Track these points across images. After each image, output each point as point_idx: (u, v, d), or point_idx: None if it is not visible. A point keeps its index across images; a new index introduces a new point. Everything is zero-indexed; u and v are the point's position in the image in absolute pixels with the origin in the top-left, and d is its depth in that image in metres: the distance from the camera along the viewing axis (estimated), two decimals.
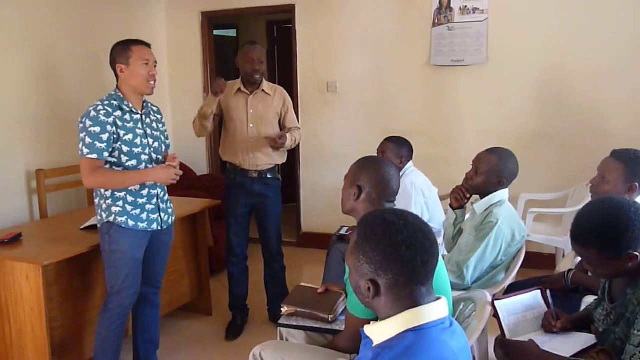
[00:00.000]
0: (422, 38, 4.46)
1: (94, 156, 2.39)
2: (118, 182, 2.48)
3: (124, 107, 2.50)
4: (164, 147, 2.70)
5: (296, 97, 4.93)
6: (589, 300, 2.19)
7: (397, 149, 3.15)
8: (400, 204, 3.04)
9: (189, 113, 5.08)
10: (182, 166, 4.66)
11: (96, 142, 2.39)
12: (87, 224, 2.93)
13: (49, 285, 2.56)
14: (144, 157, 2.53)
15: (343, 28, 4.72)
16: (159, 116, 2.73)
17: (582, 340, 1.85)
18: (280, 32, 6.37)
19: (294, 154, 4.88)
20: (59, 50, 3.95)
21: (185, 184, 4.58)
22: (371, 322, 1.30)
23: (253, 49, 3.28)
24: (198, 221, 3.60)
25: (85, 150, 2.39)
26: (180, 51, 5.28)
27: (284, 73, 5.88)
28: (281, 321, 2.17)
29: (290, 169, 5.13)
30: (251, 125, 3.25)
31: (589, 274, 2.42)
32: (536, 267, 3.36)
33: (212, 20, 5.30)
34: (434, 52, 4.45)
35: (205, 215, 3.64)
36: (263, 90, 3.32)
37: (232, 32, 6.82)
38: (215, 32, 5.55)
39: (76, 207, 3.91)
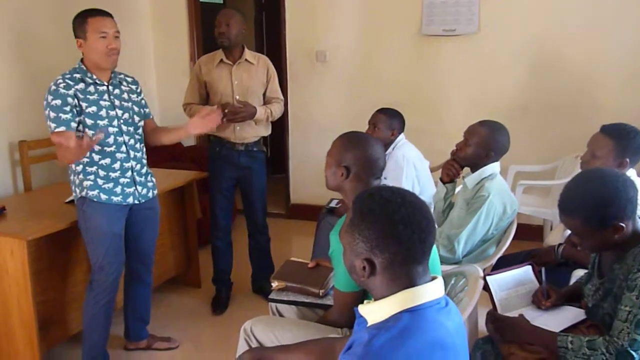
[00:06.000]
0: (414, 7, 4.37)
1: (62, 129, 2.33)
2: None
3: (87, 79, 2.43)
4: (137, 118, 2.61)
5: (284, 67, 4.83)
6: (578, 274, 2.20)
7: (389, 120, 3.10)
8: (391, 177, 3.03)
9: (175, 82, 5.00)
10: None
11: (60, 114, 2.34)
12: (71, 198, 2.86)
13: (34, 260, 2.51)
14: (111, 129, 2.46)
15: None
16: (133, 86, 2.64)
17: (572, 315, 1.87)
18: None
19: (282, 124, 4.83)
20: (38, 16, 3.80)
21: (172, 155, 4.52)
22: (365, 302, 1.28)
23: (221, 12, 3.17)
24: (185, 194, 3.55)
25: (53, 125, 2.34)
26: (166, 19, 5.12)
27: (272, 41, 5.77)
28: (272, 296, 2.16)
29: (278, 140, 5.08)
30: (237, 97, 3.16)
31: (578, 247, 2.44)
32: (524, 239, 3.36)
33: None
34: (425, 21, 4.37)
35: (192, 187, 3.59)
36: (246, 60, 3.22)
37: None
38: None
39: (61, 179, 3.82)
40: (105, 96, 2.48)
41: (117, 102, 2.51)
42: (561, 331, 1.74)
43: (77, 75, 2.42)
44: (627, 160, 2.23)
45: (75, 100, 2.38)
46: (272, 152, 5.88)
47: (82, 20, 2.40)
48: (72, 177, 2.51)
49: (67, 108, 2.35)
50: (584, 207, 1.62)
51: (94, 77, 2.45)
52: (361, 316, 1.28)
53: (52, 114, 2.34)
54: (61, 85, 2.37)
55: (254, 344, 1.90)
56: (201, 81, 3.23)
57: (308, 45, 4.76)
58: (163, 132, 2.75)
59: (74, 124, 2.37)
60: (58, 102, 2.34)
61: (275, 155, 5.69)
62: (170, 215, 3.45)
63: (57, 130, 2.34)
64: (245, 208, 3.46)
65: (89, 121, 2.41)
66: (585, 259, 2.12)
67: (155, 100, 5.16)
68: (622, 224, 1.59)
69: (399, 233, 1.18)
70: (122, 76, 2.61)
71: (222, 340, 3.03)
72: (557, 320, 1.84)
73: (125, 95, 2.57)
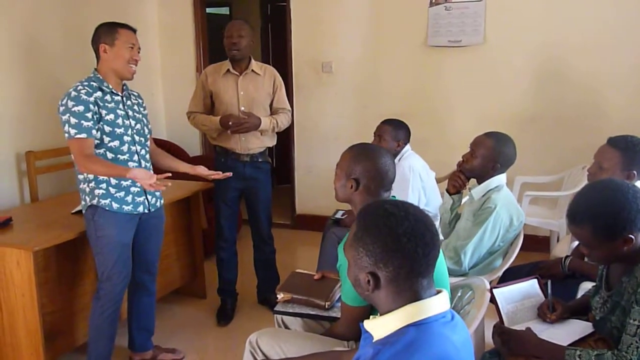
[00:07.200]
0: (419, 18, 4.39)
1: (83, 136, 2.35)
2: (107, 173, 2.43)
3: (104, 88, 2.46)
4: (146, 130, 2.66)
5: (290, 78, 4.85)
6: (586, 286, 2.18)
7: (395, 132, 3.09)
8: (397, 188, 3.02)
9: (181, 93, 5.02)
10: (174, 147, 4.62)
11: (82, 121, 2.35)
12: (78, 208, 2.86)
13: (40, 271, 2.52)
14: (126, 137, 2.50)
15: (339, 7, 4.63)
16: (140, 100, 2.70)
17: (580, 328, 1.85)
18: (274, 10, 6.25)
19: (288, 134, 4.83)
20: (45, 28, 3.83)
21: None
22: (371, 317, 1.27)
23: (232, 23, 3.21)
24: (191, 204, 3.55)
25: (73, 131, 2.35)
26: (172, 29, 5.17)
27: (278, 52, 5.79)
28: (277, 308, 2.15)
29: (284, 150, 5.09)
30: (242, 108, 3.17)
31: (585, 259, 2.42)
32: (531, 250, 3.35)
33: None
34: (431, 32, 4.38)
35: (198, 198, 3.60)
36: (253, 70, 3.23)
37: (225, 10, 6.70)
38: (208, 10, 5.44)
39: (68, 189, 3.84)
40: (121, 105, 2.52)
41: (130, 113, 2.56)
42: (569, 345, 1.72)
43: (94, 84, 2.45)
44: (635, 172, 2.21)
45: (96, 107, 2.40)
46: (278, 163, 5.89)
47: (112, 29, 2.46)
48: (82, 186, 2.51)
49: (89, 115, 2.36)
50: (593, 217, 1.61)
51: (110, 86, 2.49)
52: (367, 332, 1.27)
53: (74, 120, 2.34)
54: (82, 91, 2.38)
55: (260, 357, 1.89)
56: (206, 91, 3.24)
57: (314, 56, 4.78)
58: (161, 155, 2.83)
59: (94, 132, 2.39)
60: (80, 108, 2.35)
61: (281, 165, 5.69)
62: (175, 226, 3.46)
63: (77, 136, 2.35)
64: (250, 219, 3.46)
65: (107, 128, 2.44)
66: (593, 272, 2.11)
67: (161, 111, 5.19)
68: (631, 235, 1.57)
69: (403, 246, 1.18)
70: (129, 89, 2.65)
71: (228, 352, 3.03)
72: (564, 333, 1.82)
73: (135, 107, 2.62)
